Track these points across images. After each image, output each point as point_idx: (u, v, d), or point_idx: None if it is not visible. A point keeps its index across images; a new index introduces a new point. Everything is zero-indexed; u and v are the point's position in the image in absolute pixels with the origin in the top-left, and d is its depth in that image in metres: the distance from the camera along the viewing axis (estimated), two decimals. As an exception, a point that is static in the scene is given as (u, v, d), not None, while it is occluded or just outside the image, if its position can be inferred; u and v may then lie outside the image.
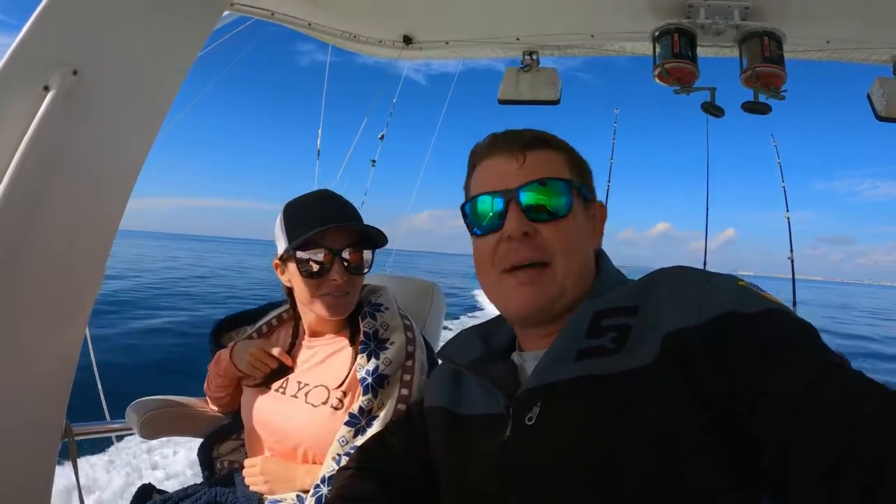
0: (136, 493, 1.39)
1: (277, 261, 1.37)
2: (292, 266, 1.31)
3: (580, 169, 0.94)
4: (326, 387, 1.32)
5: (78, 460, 1.41)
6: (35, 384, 1.09)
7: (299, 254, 1.28)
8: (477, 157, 0.95)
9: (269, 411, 1.37)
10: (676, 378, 0.69)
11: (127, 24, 1.17)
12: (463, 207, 0.94)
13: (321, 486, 1.15)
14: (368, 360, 1.27)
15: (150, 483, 1.43)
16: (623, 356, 0.74)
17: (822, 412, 0.57)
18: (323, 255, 1.28)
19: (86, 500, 1.52)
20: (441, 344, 1.18)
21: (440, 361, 1.11)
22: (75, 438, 1.38)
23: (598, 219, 0.96)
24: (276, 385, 1.40)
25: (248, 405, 1.43)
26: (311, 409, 1.31)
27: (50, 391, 1.12)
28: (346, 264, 1.29)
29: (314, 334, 1.43)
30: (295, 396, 1.35)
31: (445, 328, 2.05)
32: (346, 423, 1.21)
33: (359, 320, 1.35)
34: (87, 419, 1.68)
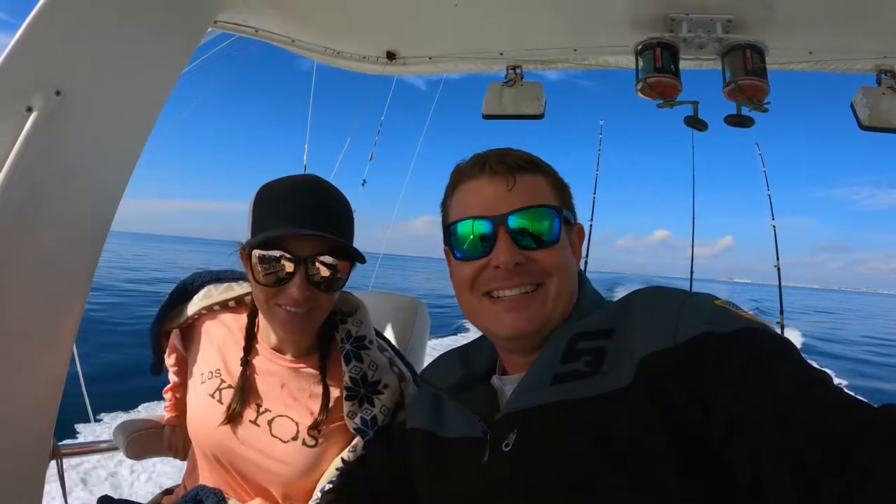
0: None
1: (242, 248, 1.15)
2: (249, 263, 1.11)
3: (563, 192, 0.93)
4: (294, 420, 1.18)
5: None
6: (23, 407, 1.08)
7: (257, 252, 1.07)
8: (462, 175, 0.92)
9: (225, 436, 1.17)
10: (651, 401, 0.68)
11: (110, 45, 1.17)
12: (447, 228, 0.92)
13: None
14: (361, 407, 1.15)
15: (107, 495, 1.35)
16: (598, 379, 0.74)
17: (798, 430, 0.56)
18: (284, 261, 1.07)
19: None
20: (426, 361, 1.16)
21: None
22: (63, 458, 1.34)
23: (576, 241, 0.95)
24: (223, 398, 1.19)
25: (197, 421, 1.22)
26: (280, 445, 1.16)
27: (38, 413, 1.11)
28: (311, 280, 1.08)
29: (276, 349, 1.24)
30: (255, 423, 1.18)
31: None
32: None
33: (328, 347, 1.22)
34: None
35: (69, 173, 1.11)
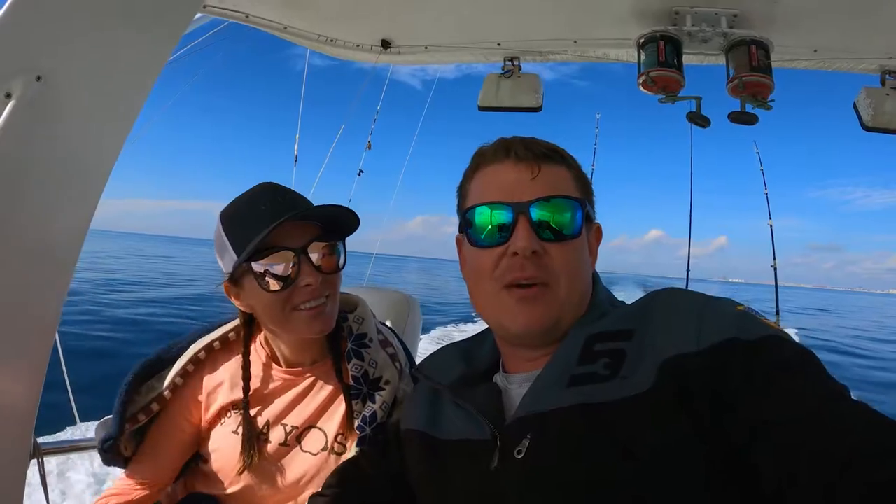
0: None
1: (227, 283, 1.12)
2: (250, 282, 1.07)
3: (585, 187, 0.89)
4: (321, 429, 1.15)
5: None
6: (1, 404, 1.05)
7: (255, 266, 1.04)
8: (484, 160, 0.88)
9: (263, 468, 1.14)
10: (674, 406, 0.66)
11: (93, 28, 1.13)
12: (465, 213, 0.87)
13: None
14: (364, 406, 1.12)
15: None
16: (617, 383, 0.71)
17: (822, 443, 0.55)
18: (285, 258, 1.05)
19: None
20: (419, 357, 1.11)
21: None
22: (44, 458, 1.28)
23: (595, 240, 0.92)
24: (253, 434, 1.15)
25: (223, 469, 1.16)
26: (311, 459, 1.13)
27: (17, 410, 1.07)
28: (315, 266, 1.07)
29: (291, 364, 1.20)
30: (286, 444, 1.14)
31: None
32: None
33: (338, 349, 1.18)
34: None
35: (51, 160, 1.06)
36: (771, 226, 3.70)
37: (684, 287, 0.84)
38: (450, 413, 0.90)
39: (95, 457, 1.27)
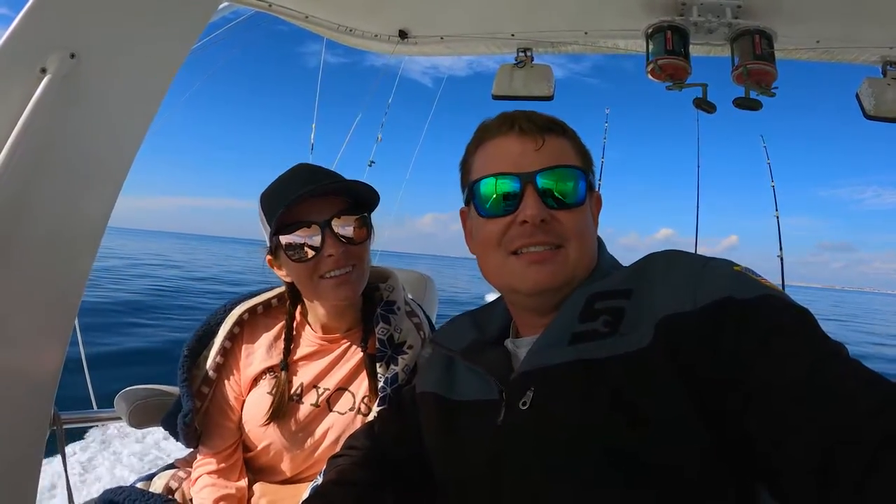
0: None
1: (269, 256, 1.22)
2: (283, 255, 1.16)
3: (586, 157, 0.93)
4: (350, 391, 1.23)
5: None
6: (24, 372, 1.09)
7: (283, 238, 1.13)
8: (487, 133, 0.91)
9: (294, 430, 1.21)
10: (669, 364, 0.68)
11: (125, 9, 1.16)
12: (471, 186, 0.90)
13: (319, 478, 1.12)
14: (388, 369, 1.19)
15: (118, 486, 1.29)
16: (616, 340, 0.73)
17: (818, 403, 0.56)
18: (310, 231, 1.13)
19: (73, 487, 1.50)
20: None
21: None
22: (63, 427, 1.36)
23: (596, 208, 0.95)
24: (287, 394, 1.22)
25: (254, 429, 1.23)
26: (339, 418, 1.21)
27: (39, 379, 1.11)
28: (340, 237, 1.14)
29: (327, 330, 1.28)
30: (317, 405, 1.22)
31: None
32: None
33: (372, 318, 1.25)
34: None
35: (82, 135, 1.11)
36: (777, 217, 3.75)
37: None
38: (462, 376, 0.94)
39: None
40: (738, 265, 0.75)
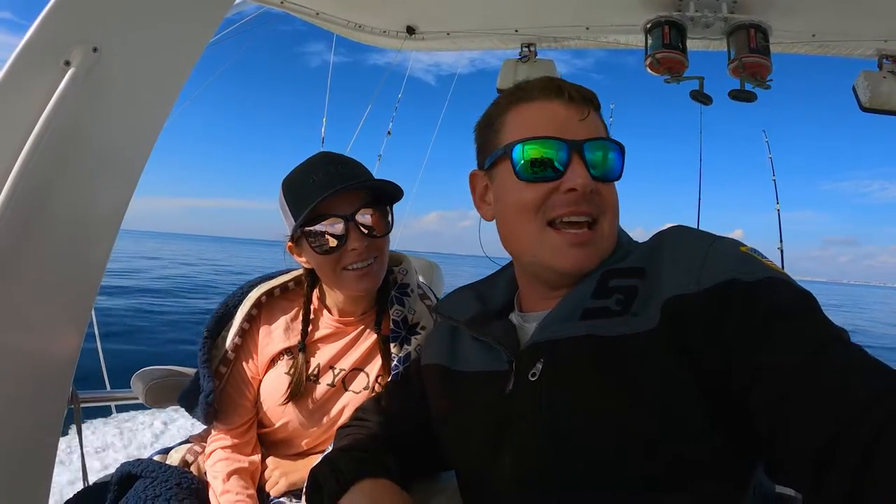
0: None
1: (290, 243, 1.24)
2: (306, 245, 1.18)
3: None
4: (365, 371, 1.28)
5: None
6: (44, 353, 1.13)
7: (309, 230, 1.16)
8: (528, 95, 0.87)
9: (310, 408, 1.26)
10: (675, 347, 0.68)
11: (145, 4, 1.19)
12: (508, 147, 0.85)
13: (329, 448, 1.14)
14: (401, 349, 1.24)
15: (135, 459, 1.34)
16: (627, 319, 0.73)
17: (818, 389, 0.56)
18: (335, 224, 1.15)
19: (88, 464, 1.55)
20: None
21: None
22: (81, 406, 1.42)
23: None
24: (304, 375, 1.27)
25: (272, 408, 1.29)
26: (355, 397, 1.25)
27: (58, 360, 1.16)
28: (363, 229, 1.16)
29: (343, 314, 1.32)
30: (332, 385, 1.26)
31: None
32: None
33: (386, 301, 1.29)
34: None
35: (103, 128, 1.15)
36: (778, 210, 3.79)
37: None
38: (468, 347, 0.94)
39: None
40: (744, 245, 0.75)
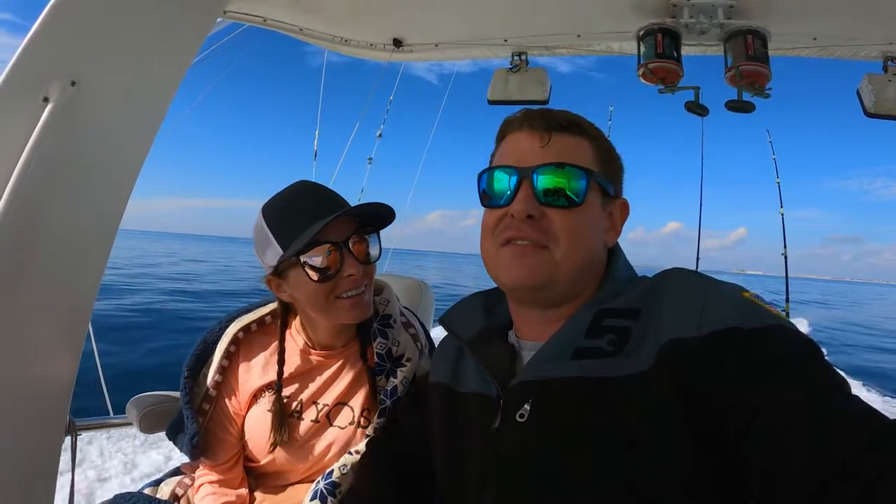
0: None
1: (271, 276, 1.20)
2: (296, 274, 1.16)
3: (607, 162, 0.91)
4: (350, 406, 1.25)
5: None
6: (40, 382, 1.12)
7: (304, 258, 1.13)
8: (507, 128, 0.94)
9: (296, 445, 1.24)
10: (669, 390, 0.68)
11: (122, 35, 1.18)
12: (480, 176, 0.93)
13: (320, 481, 1.15)
14: (387, 381, 1.22)
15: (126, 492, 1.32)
16: (619, 360, 0.73)
17: (814, 434, 0.56)
18: (330, 251, 1.14)
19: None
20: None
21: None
22: (77, 434, 1.39)
23: (616, 216, 0.93)
24: (285, 413, 1.24)
25: (258, 445, 1.26)
26: (340, 433, 1.23)
27: (54, 388, 1.14)
28: (356, 257, 1.16)
29: (324, 347, 1.29)
30: (317, 421, 1.24)
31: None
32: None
33: (369, 331, 1.25)
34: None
35: (85, 160, 1.14)
36: (782, 214, 3.68)
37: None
38: (468, 366, 0.96)
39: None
40: (747, 291, 0.74)
